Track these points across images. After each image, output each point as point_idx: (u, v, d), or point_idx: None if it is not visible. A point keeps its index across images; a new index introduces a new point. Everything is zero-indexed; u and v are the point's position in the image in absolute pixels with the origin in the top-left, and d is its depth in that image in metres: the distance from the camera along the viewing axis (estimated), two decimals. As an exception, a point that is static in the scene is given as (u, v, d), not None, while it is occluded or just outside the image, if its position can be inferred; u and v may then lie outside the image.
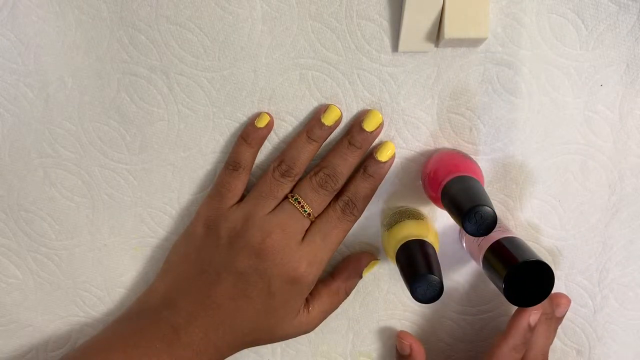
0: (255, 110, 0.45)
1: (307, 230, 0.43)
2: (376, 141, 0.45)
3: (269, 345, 0.51)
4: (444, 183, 0.39)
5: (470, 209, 0.35)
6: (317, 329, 0.46)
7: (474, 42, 0.41)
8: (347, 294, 0.47)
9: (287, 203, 0.43)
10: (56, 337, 0.51)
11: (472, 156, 0.44)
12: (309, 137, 0.44)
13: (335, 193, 0.44)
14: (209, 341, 0.42)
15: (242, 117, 0.45)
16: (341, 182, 0.44)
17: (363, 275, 0.47)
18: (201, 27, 0.43)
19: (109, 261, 0.49)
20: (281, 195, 0.44)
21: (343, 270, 0.47)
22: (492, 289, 0.49)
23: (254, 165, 0.46)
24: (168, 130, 0.45)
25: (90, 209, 0.47)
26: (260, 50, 0.43)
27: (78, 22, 0.43)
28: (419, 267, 0.39)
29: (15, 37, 0.43)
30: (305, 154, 0.44)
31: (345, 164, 0.43)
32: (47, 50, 0.44)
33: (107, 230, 0.48)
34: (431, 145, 0.45)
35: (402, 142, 0.45)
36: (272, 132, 0.45)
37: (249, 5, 0.42)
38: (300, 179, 0.44)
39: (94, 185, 0.47)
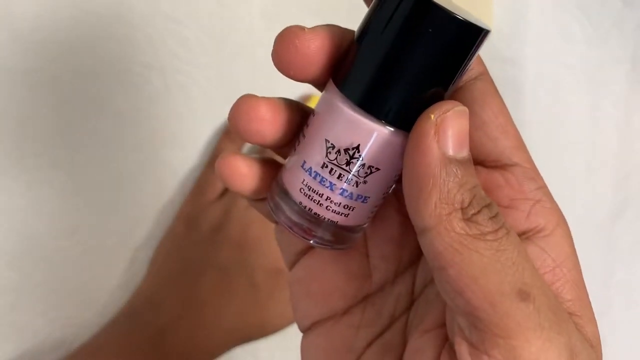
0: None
1: None
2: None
3: (268, 351, 0.50)
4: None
5: None
6: None
7: (478, 39, 0.41)
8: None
9: None
10: (51, 341, 0.50)
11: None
12: None
13: None
14: (197, 341, 0.41)
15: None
16: None
17: None
18: (198, 24, 0.42)
19: (106, 263, 0.48)
20: None
21: None
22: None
23: None
24: (164, 129, 0.45)
25: (86, 209, 0.47)
26: (259, 47, 0.43)
27: (73, 18, 0.43)
28: None
29: (8, 34, 0.43)
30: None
31: None
32: (42, 47, 0.43)
33: (103, 231, 0.48)
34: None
35: (403, 141, 0.45)
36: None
37: (247, 1, 0.42)
38: None
39: (89, 184, 0.47)
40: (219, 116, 0.45)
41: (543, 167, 0.44)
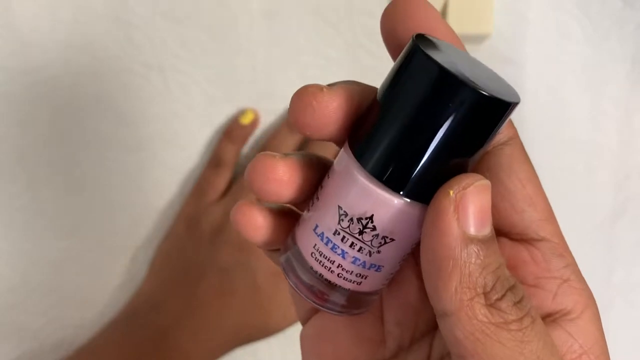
0: (254, 109, 0.44)
1: None
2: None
3: (267, 351, 0.50)
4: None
5: None
6: None
7: (478, 39, 0.41)
8: None
9: None
10: (51, 341, 0.50)
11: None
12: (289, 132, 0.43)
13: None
14: (198, 342, 0.41)
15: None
16: None
17: None
18: (198, 23, 0.42)
19: (106, 263, 0.48)
20: None
21: None
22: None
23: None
24: (164, 129, 0.45)
25: (84, 210, 0.47)
26: (259, 46, 0.43)
27: (73, 19, 0.43)
28: None
29: (8, 34, 0.43)
30: (286, 148, 0.43)
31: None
32: (41, 47, 0.43)
33: (103, 231, 0.47)
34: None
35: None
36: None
37: (247, 1, 0.42)
38: None
39: (89, 184, 0.46)
40: (219, 116, 0.44)
41: (543, 167, 0.44)
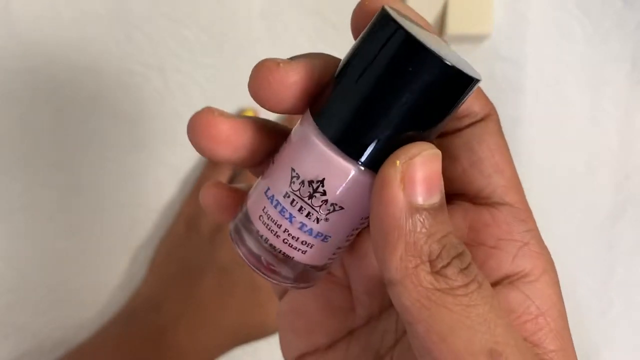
0: (254, 108, 0.44)
1: None
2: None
3: (267, 351, 0.50)
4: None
5: None
6: None
7: (478, 39, 0.41)
8: None
9: None
10: (50, 341, 0.50)
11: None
12: None
13: None
14: (196, 341, 0.41)
15: (241, 115, 0.45)
16: None
17: None
18: (198, 23, 0.42)
19: (105, 263, 0.48)
20: None
21: None
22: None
23: None
24: (164, 129, 0.45)
25: (84, 210, 0.47)
26: (259, 46, 0.43)
27: (73, 19, 0.43)
28: None
29: (8, 34, 0.43)
30: None
31: None
32: (41, 47, 0.43)
33: (103, 231, 0.47)
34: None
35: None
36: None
37: (247, 1, 0.42)
38: None
39: (88, 184, 0.46)
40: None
41: (543, 167, 0.44)
